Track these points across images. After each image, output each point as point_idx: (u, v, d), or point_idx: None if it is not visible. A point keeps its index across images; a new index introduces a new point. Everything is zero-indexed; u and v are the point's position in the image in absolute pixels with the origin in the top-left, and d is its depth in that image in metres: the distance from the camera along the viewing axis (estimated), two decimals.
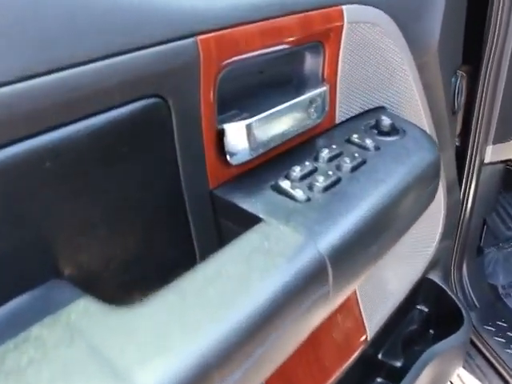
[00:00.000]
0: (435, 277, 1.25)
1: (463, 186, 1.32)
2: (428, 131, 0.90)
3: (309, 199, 0.56)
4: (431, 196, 0.71)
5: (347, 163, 0.62)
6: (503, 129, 1.25)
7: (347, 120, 0.74)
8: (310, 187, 0.58)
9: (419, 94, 0.85)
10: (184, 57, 0.49)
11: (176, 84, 0.49)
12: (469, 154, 1.29)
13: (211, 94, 0.53)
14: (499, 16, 1.05)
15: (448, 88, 0.94)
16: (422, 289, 1.16)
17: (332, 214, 0.55)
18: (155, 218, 0.52)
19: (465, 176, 1.32)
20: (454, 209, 1.25)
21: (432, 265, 1.18)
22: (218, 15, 0.52)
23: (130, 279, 0.51)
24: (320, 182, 0.58)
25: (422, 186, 0.66)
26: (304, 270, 0.48)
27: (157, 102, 0.47)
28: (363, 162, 0.64)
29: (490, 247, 1.69)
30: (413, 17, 0.78)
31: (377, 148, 0.67)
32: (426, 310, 1.33)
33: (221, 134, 0.56)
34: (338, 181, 0.60)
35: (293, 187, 0.57)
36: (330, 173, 0.60)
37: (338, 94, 0.70)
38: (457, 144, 1.25)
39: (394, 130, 0.72)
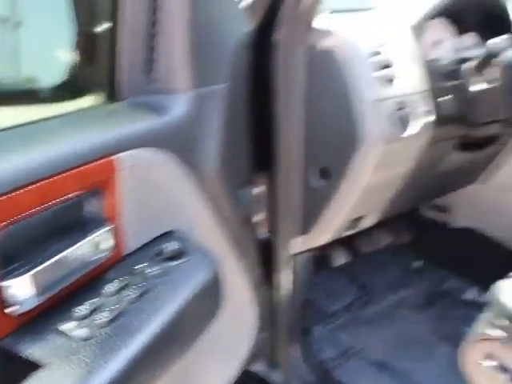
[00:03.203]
0: (258, 368, 1.34)
1: (276, 278, 1.45)
2: (225, 244, 1.02)
3: (89, 337, 0.63)
4: (215, 309, 0.81)
5: (130, 295, 0.70)
6: (305, 221, 1.41)
7: (136, 250, 0.82)
8: (93, 325, 0.65)
9: (208, 211, 0.96)
10: None
11: None
12: (278, 246, 1.42)
13: None
14: (285, 127, 1.19)
15: (237, 199, 1.06)
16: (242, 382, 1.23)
17: (110, 349, 0.61)
18: None
19: (276, 268, 1.44)
20: (267, 302, 1.36)
21: (253, 358, 1.27)
22: None
23: None
24: (101, 318, 0.65)
25: (202, 304, 0.76)
26: None
27: None
28: (147, 291, 0.72)
29: (316, 325, 1.83)
30: (189, 150, 0.90)
31: (162, 275, 0.76)
32: None
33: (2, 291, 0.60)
34: (120, 314, 0.67)
35: (75, 328, 0.63)
36: (113, 307, 0.67)
37: (124, 229, 0.78)
38: (267, 236, 1.39)
39: (178, 255, 0.81)
